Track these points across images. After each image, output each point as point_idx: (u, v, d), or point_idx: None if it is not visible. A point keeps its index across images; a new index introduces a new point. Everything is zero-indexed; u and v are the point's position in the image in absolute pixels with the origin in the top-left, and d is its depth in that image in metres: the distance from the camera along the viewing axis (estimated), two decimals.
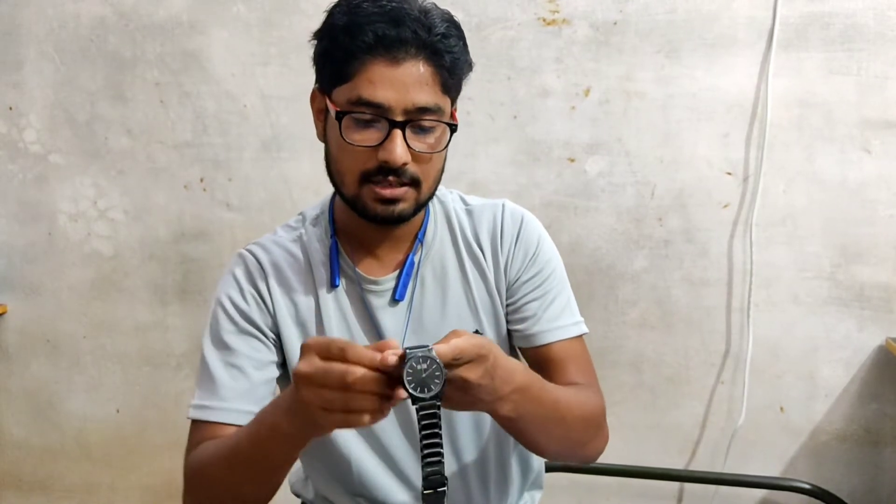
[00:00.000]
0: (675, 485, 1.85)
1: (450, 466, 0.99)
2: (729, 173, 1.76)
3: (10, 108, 1.93)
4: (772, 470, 1.80)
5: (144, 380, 1.97)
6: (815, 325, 1.76)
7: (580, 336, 0.99)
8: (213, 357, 0.94)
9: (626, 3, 1.75)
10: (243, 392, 0.92)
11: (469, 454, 1.00)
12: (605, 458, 1.80)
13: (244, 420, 0.89)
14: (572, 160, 1.80)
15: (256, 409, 0.90)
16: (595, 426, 0.92)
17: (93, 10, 1.88)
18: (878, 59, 1.68)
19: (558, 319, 0.97)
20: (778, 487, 1.75)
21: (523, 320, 0.97)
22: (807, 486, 1.69)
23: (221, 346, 0.94)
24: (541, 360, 0.97)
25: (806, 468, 1.79)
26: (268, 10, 1.83)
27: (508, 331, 0.99)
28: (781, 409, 1.79)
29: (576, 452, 0.92)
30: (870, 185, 1.72)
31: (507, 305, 0.99)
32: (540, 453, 0.93)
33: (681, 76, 1.75)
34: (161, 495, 2.00)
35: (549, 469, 1.69)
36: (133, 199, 1.92)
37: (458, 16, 1.80)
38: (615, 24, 1.76)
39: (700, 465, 1.83)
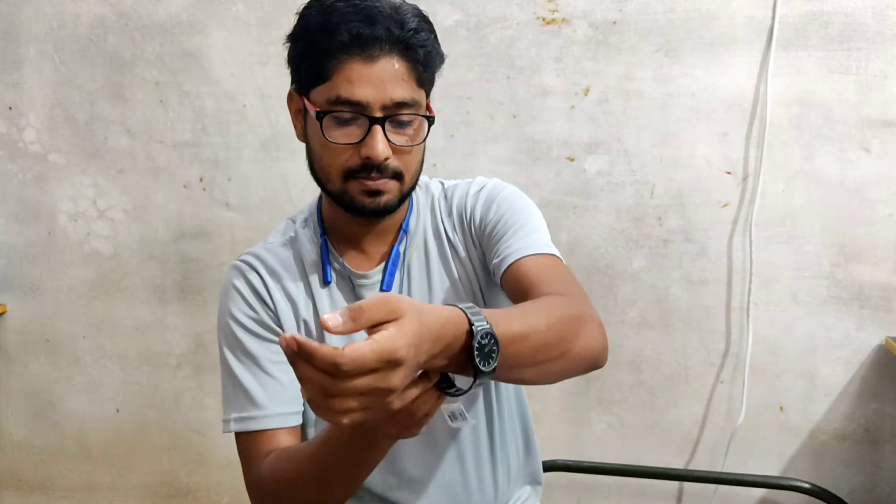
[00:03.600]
0: (674, 484, 1.85)
1: (446, 458, 1.00)
2: (728, 172, 1.76)
3: (10, 108, 1.93)
4: (771, 469, 1.80)
5: (144, 379, 1.97)
6: (814, 325, 1.76)
7: (552, 255, 0.92)
8: (239, 369, 0.95)
9: (625, 2, 1.75)
10: (278, 395, 0.94)
11: (465, 446, 1.01)
12: (605, 458, 1.82)
13: (290, 421, 0.93)
14: (571, 159, 1.80)
15: (295, 408, 0.94)
16: (572, 323, 0.77)
17: (92, 10, 1.88)
18: (878, 58, 1.68)
19: (523, 242, 0.92)
20: (777, 487, 1.75)
21: (493, 257, 0.94)
22: (806, 486, 1.69)
23: (245, 356, 0.95)
24: (512, 283, 0.89)
25: (805, 467, 1.79)
26: (267, 10, 1.83)
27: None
28: (781, 408, 1.79)
29: (561, 362, 0.77)
30: (869, 185, 1.71)
31: (487, 257, 0.97)
32: (526, 380, 0.79)
33: (680, 75, 1.75)
34: (161, 495, 2.00)
35: (548, 468, 1.70)
36: (132, 198, 1.92)
37: (457, 15, 1.82)
38: (614, 23, 1.76)
39: (699, 464, 1.83)
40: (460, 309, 0.64)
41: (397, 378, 0.57)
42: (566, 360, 0.77)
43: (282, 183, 1.87)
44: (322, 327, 0.56)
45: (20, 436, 2.02)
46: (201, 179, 1.90)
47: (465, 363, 0.64)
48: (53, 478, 2.02)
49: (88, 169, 1.92)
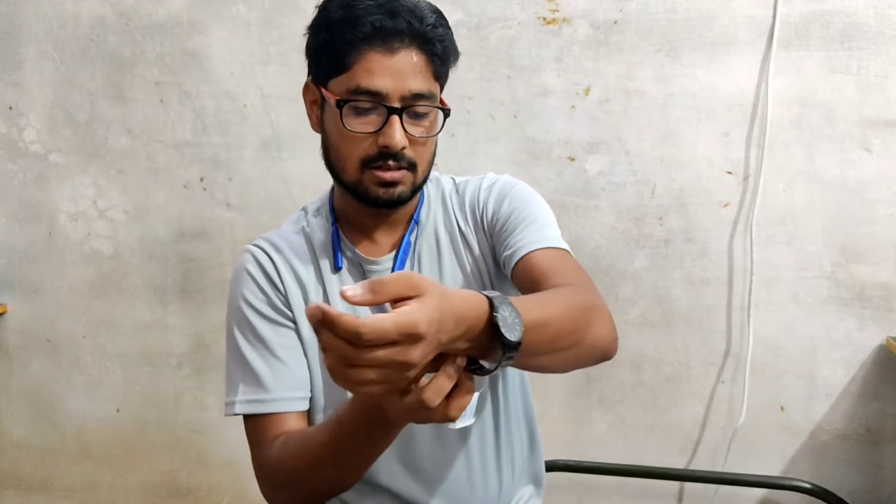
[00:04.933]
0: (675, 484, 1.85)
1: (454, 454, 1.01)
2: (729, 172, 1.76)
3: (10, 108, 1.92)
4: (772, 469, 1.80)
5: (144, 379, 1.97)
6: (815, 325, 1.76)
7: (562, 249, 0.94)
8: (249, 352, 0.96)
9: (626, 2, 1.74)
10: (287, 379, 0.95)
11: (472, 442, 1.01)
12: (606, 458, 1.82)
13: (298, 406, 0.95)
14: (572, 159, 1.80)
15: (304, 393, 0.96)
16: (584, 312, 0.80)
17: (92, 10, 1.88)
18: (879, 57, 1.68)
19: (533, 235, 0.94)
20: (778, 487, 1.74)
21: (504, 250, 0.96)
22: (807, 486, 1.69)
23: (256, 339, 0.97)
24: (523, 275, 0.92)
25: (806, 467, 1.79)
26: (268, 10, 1.83)
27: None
28: (782, 408, 1.79)
29: (576, 350, 0.79)
30: (870, 185, 1.71)
31: (498, 250, 0.99)
32: (544, 367, 0.81)
33: (681, 75, 1.74)
34: (161, 494, 2.00)
35: (549, 468, 1.70)
36: (133, 198, 1.92)
37: (458, 15, 1.82)
38: (615, 23, 1.75)
39: (700, 464, 1.83)
40: (481, 293, 0.65)
41: (416, 353, 0.57)
42: (580, 349, 0.79)
43: (282, 183, 1.87)
44: (342, 297, 0.56)
45: (20, 436, 2.02)
46: (202, 179, 1.90)
47: (487, 344, 0.64)
48: (53, 478, 2.02)
49: (89, 169, 1.92)
